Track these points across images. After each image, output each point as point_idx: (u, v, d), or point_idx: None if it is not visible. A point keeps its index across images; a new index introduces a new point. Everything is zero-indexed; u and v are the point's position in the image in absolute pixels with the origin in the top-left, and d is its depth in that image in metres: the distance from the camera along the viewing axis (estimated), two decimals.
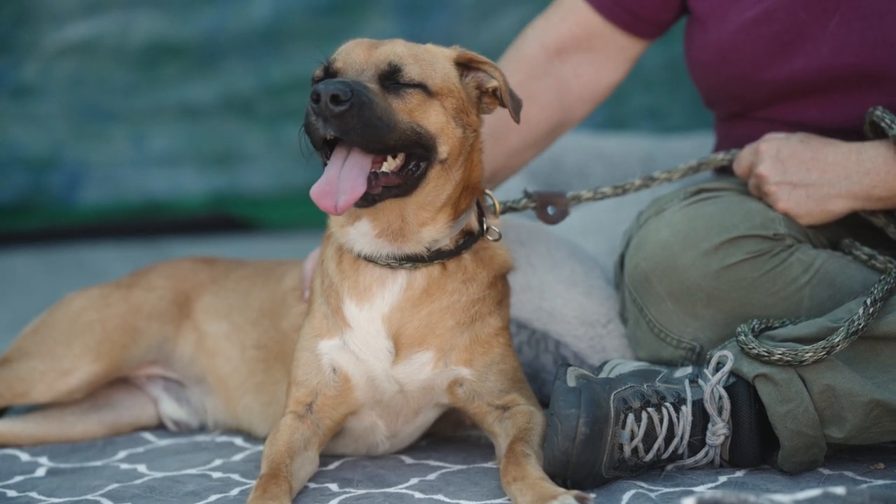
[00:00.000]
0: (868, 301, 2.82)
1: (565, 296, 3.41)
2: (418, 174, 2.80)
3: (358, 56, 2.81)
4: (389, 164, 2.76)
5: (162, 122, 6.18)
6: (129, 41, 6.09)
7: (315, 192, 2.71)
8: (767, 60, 3.16)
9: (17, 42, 6.04)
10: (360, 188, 2.70)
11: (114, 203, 6.21)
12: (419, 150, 2.79)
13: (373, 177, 2.73)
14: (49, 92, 6.09)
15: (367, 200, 2.73)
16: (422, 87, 2.80)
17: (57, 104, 6.10)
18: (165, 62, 6.13)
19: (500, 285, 3.03)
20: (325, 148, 2.76)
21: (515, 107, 2.95)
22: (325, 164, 2.77)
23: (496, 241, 3.01)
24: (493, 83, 2.93)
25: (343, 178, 2.71)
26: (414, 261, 2.89)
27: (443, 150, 2.82)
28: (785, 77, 3.15)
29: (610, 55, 3.41)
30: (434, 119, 2.80)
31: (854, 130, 3.11)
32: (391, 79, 2.78)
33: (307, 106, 2.70)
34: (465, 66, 2.93)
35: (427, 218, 2.87)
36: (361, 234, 2.88)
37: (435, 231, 2.89)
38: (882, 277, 2.88)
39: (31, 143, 6.12)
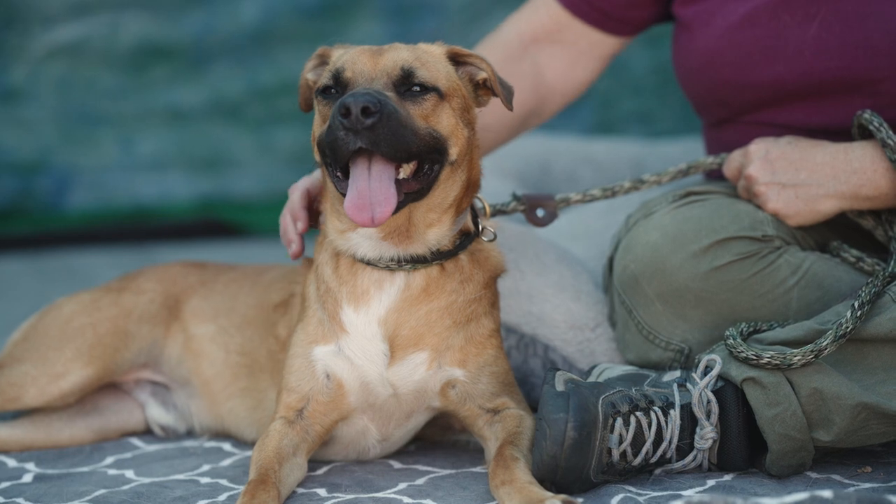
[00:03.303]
0: (856, 304, 2.82)
1: (554, 300, 3.41)
2: (432, 177, 2.81)
3: (365, 65, 2.81)
4: (405, 170, 2.76)
5: (150, 127, 6.17)
6: (118, 44, 6.08)
7: (349, 206, 2.70)
8: (752, 65, 3.17)
9: (5, 45, 6.03)
10: (393, 198, 2.71)
11: (102, 208, 6.20)
12: (434, 155, 2.80)
13: (397, 184, 2.74)
14: (37, 96, 6.08)
15: (395, 209, 2.73)
16: (435, 90, 2.81)
17: (45, 108, 6.09)
18: (154, 65, 6.12)
19: (493, 287, 3.04)
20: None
21: (507, 95, 2.96)
22: (337, 176, 2.78)
23: (491, 241, 3.01)
24: (482, 74, 2.94)
25: (374, 189, 2.71)
26: (415, 262, 2.89)
27: (453, 151, 2.83)
28: (769, 81, 3.16)
29: (582, 50, 3.43)
30: (446, 121, 2.82)
31: (841, 132, 3.12)
32: (405, 85, 2.79)
33: (332, 120, 2.69)
34: (454, 60, 2.95)
35: (434, 219, 2.88)
36: (366, 237, 2.88)
37: (440, 232, 2.90)
38: (870, 280, 2.88)
39: (19, 147, 6.10)
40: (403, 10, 6.16)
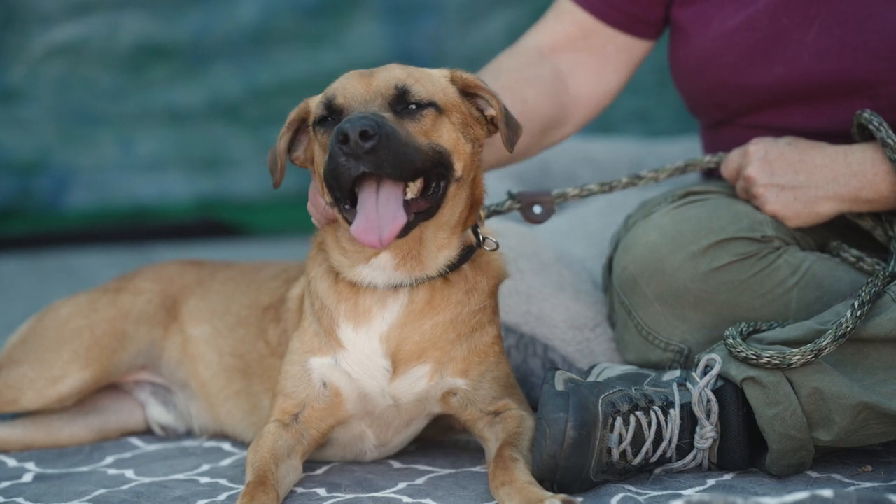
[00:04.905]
0: (856, 304, 2.82)
1: (553, 300, 3.41)
2: (440, 194, 2.77)
3: (357, 88, 2.77)
4: (412, 190, 2.72)
5: (149, 127, 6.17)
6: (116, 43, 6.08)
7: (357, 230, 2.66)
8: (750, 67, 3.16)
9: (4, 45, 6.03)
10: (401, 219, 2.66)
11: (101, 208, 6.19)
12: (439, 170, 2.75)
13: (405, 204, 2.70)
14: (36, 96, 6.07)
15: (405, 228, 2.70)
16: (432, 105, 2.77)
17: (44, 108, 6.09)
18: (152, 65, 6.12)
19: (496, 294, 3.02)
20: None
21: (510, 135, 2.86)
22: (346, 208, 2.73)
23: (494, 251, 2.99)
24: (489, 111, 2.88)
25: (382, 212, 2.66)
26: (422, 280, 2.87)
27: (458, 166, 2.79)
28: (767, 84, 3.16)
29: (608, 55, 3.38)
30: (447, 135, 2.78)
31: (839, 135, 3.12)
32: (401, 102, 2.74)
33: (332, 148, 2.64)
34: (462, 91, 2.88)
35: (444, 240, 2.85)
36: (379, 269, 2.84)
37: (450, 253, 2.87)
38: (870, 280, 2.88)
39: (17, 147, 6.10)
40: (402, 10, 6.16)
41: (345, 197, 2.72)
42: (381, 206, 2.67)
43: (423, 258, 2.84)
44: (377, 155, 2.62)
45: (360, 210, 2.68)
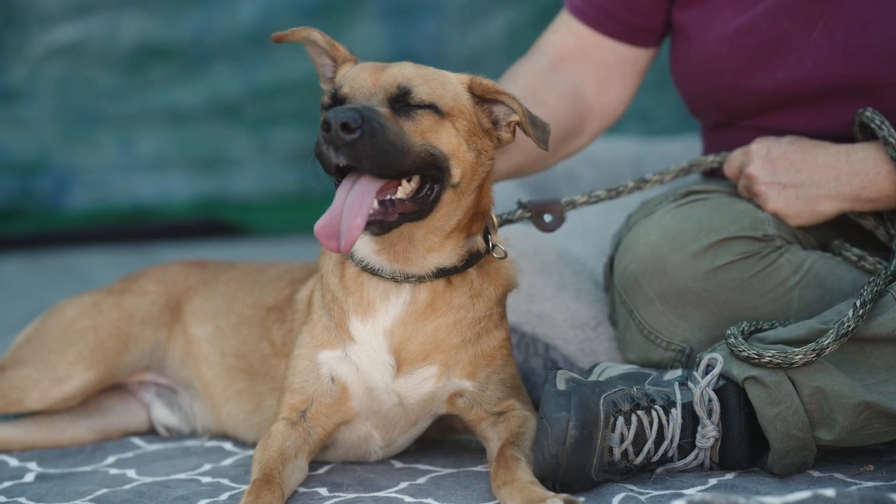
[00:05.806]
0: (858, 303, 2.82)
1: (554, 299, 3.41)
2: (433, 198, 2.77)
3: (365, 80, 2.77)
4: (405, 189, 2.72)
5: (149, 127, 6.17)
6: (117, 44, 6.08)
7: (319, 233, 2.67)
8: (751, 71, 3.16)
9: (5, 45, 6.03)
10: (356, 230, 2.65)
11: (102, 208, 6.20)
12: (434, 172, 2.75)
13: (389, 203, 2.70)
14: (36, 96, 6.08)
15: (384, 228, 2.70)
16: (432, 107, 2.75)
17: (44, 108, 6.09)
18: (153, 65, 6.12)
19: (504, 301, 3.02)
20: (338, 173, 2.72)
21: (540, 134, 2.86)
22: (336, 181, 2.75)
23: (502, 258, 2.98)
24: (512, 118, 2.87)
25: (345, 215, 2.66)
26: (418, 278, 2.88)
27: (455, 172, 2.78)
28: (770, 87, 3.15)
29: (610, 66, 3.36)
30: (446, 140, 2.77)
31: (842, 137, 3.11)
32: (401, 101, 2.74)
33: (318, 134, 2.66)
34: (479, 97, 2.87)
35: (435, 243, 2.84)
36: (363, 243, 2.86)
37: (441, 257, 2.86)
38: (872, 279, 2.88)
39: (18, 147, 6.11)
40: (402, 10, 6.16)
41: (331, 177, 2.74)
42: (346, 207, 2.67)
43: (410, 256, 2.84)
44: (355, 149, 2.62)
45: (329, 209, 2.69)
